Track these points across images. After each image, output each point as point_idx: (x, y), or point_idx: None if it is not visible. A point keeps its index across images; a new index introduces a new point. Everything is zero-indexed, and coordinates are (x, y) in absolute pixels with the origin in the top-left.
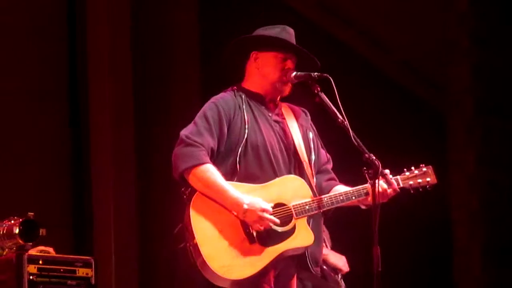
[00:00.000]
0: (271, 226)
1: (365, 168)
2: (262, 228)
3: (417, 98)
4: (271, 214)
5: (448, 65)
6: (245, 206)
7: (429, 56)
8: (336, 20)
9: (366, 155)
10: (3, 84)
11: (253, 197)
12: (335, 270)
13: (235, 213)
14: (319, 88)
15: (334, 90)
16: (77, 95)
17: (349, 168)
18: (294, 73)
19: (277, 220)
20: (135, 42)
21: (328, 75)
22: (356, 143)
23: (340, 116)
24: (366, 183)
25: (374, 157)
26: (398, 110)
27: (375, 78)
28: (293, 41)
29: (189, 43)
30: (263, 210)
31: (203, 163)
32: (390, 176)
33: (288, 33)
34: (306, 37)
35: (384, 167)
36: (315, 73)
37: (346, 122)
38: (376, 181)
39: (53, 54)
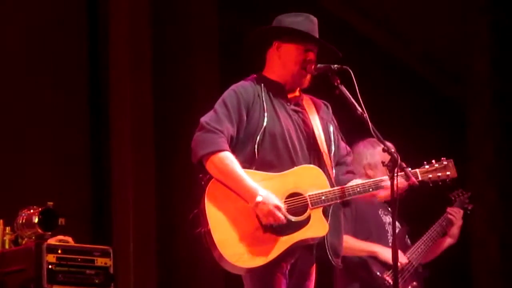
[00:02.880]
0: (278, 224)
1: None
2: (268, 223)
3: (436, 90)
4: (283, 214)
5: (468, 58)
6: (259, 198)
7: (449, 49)
8: (355, 11)
9: (385, 147)
10: (23, 73)
11: (270, 185)
12: (386, 266)
13: (248, 203)
14: (339, 81)
15: (354, 82)
16: (97, 85)
17: None
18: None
19: (285, 221)
20: (155, 28)
21: (348, 67)
22: (375, 135)
23: (359, 108)
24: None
25: (393, 149)
26: (418, 102)
27: (394, 70)
28: (316, 30)
29: (209, 29)
30: (276, 207)
31: (221, 150)
32: (409, 168)
33: (311, 22)
34: (326, 29)
35: (403, 159)
36: (335, 65)
37: (366, 114)
38: (395, 173)
39: (73, 44)
